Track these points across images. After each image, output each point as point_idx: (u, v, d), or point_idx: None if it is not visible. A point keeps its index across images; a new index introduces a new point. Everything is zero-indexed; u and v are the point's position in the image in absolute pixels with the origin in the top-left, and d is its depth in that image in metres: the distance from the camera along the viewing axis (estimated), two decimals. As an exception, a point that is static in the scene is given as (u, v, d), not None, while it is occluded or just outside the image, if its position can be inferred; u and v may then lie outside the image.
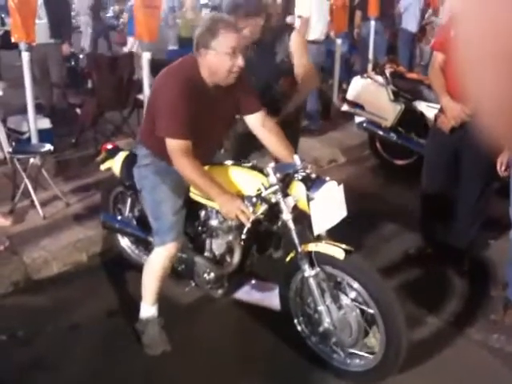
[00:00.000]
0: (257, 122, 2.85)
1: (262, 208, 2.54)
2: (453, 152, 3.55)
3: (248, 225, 2.50)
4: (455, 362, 2.90)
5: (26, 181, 4.23)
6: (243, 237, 2.67)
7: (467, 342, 3.07)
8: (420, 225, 4.01)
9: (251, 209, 2.47)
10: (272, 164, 2.58)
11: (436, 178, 3.71)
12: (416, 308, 3.27)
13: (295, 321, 2.87)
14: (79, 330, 3.10)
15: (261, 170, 2.72)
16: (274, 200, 2.54)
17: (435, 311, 3.30)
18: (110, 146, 3.54)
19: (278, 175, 2.53)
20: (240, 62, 2.59)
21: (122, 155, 3.35)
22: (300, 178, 2.57)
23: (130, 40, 7.85)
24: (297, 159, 2.63)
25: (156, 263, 2.90)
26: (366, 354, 2.68)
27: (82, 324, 3.14)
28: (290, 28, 3.66)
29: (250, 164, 2.85)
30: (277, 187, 2.51)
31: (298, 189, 2.56)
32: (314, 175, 2.58)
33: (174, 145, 2.58)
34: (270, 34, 3.35)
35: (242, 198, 2.53)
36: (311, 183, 2.53)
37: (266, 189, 2.52)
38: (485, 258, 3.94)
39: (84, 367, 2.83)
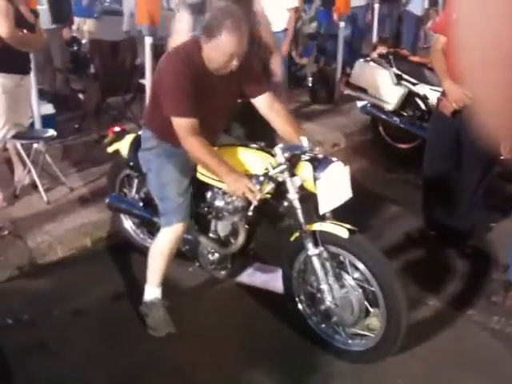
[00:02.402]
0: (264, 104, 2.87)
1: (269, 186, 2.57)
2: (455, 135, 3.54)
3: (255, 202, 2.54)
4: (455, 343, 2.93)
5: (30, 166, 4.25)
6: (249, 213, 2.68)
7: (468, 323, 3.09)
8: (422, 208, 4.02)
9: (258, 187, 2.50)
10: (280, 145, 2.62)
11: (438, 161, 3.71)
12: (417, 290, 3.29)
13: (297, 301, 2.90)
14: (84, 315, 3.13)
15: (268, 151, 2.76)
16: (280, 179, 2.58)
17: (436, 293, 3.32)
18: (117, 129, 3.58)
19: (286, 155, 2.57)
20: (234, 64, 2.62)
21: (129, 137, 3.38)
22: (307, 158, 2.61)
23: (77, 20, 7.70)
24: (304, 141, 2.66)
25: (162, 244, 2.93)
26: (366, 333, 2.72)
27: (87, 308, 3.17)
28: None
29: (257, 145, 2.88)
30: (284, 166, 2.55)
31: (305, 169, 2.59)
32: (320, 156, 2.62)
33: (180, 123, 2.61)
34: None
35: (250, 176, 2.56)
36: (318, 163, 2.57)
37: (273, 168, 2.55)
38: (486, 241, 3.94)
39: (88, 351, 2.86)
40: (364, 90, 5.57)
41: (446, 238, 3.82)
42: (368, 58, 5.73)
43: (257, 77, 2.89)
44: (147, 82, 4.89)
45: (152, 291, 2.99)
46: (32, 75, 4.56)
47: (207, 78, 2.69)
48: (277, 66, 3.74)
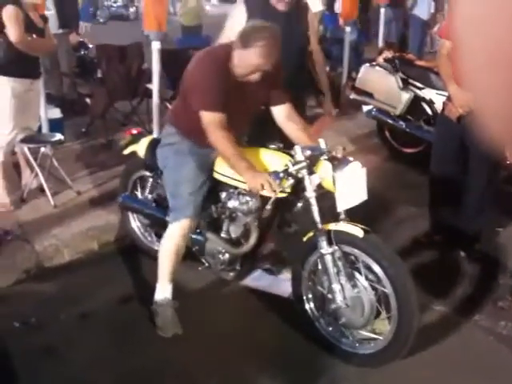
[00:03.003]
0: (282, 113, 2.96)
1: (288, 183, 2.64)
2: (460, 139, 3.54)
3: (273, 197, 2.59)
4: (462, 348, 2.92)
5: (37, 170, 4.28)
6: (268, 207, 2.71)
7: (474, 328, 3.08)
8: (429, 212, 4.01)
9: (278, 182, 2.57)
10: (300, 145, 2.69)
11: (444, 165, 3.71)
12: (423, 295, 3.26)
13: (306, 303, 2.91)
14: (91, 318, 3.14)
15: (287, 153, 2.81)
16: (300, 175, 2.63)
17: (443, 298, 3.31)
18: (134, 131, 3.66)
19: (306, 154, 2.63)
20: (254, 77, 2.73)
21: (146, 139, 3.47)
22: (326, 157, 2.67)
23: (81, 25, 7.75)
24: (322, 143, 2.73)
25: (170, 240, 2.98)
26: (375, 336, 2.72)
27: (94, 312, 3.18)
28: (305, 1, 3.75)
29: (276, 146, 2.95)
30: (304, 164, 2.61)
31: (324, 167, 2.65)
32: (340, 155, 2.69)
33: (209, 118, 2.70)
34: (296, 4, 3.47)
35: (269, 173, 2.63)
36: (337, 162, 2.63)
37: (293, 165, 2.61)
38: (493, 246, 3.93)
39: (96, 354, 2.87)
40: (370, 95, 5.58)
41: (453, 242, 3.81)
42: (374, 63, 5.73)
43: (280, 87, 2.97)
44: (154, 86, 4.92)
45: (162, 290, 3.02)
46: (41, 80, 4.59)
47: (235, 80, 2.77)
48: (323, 73, 3.86)
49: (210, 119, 2.70)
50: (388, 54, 5.62)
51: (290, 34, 3.31)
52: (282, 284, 3.26)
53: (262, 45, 2.63)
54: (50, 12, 6.25)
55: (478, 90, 0.47)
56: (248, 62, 2.68)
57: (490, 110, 0.47)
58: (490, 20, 0.42)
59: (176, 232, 2.97)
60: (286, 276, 3.18)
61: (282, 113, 2.96)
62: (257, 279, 3.40)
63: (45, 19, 4.41)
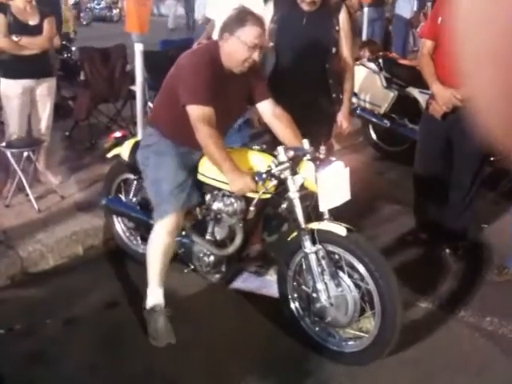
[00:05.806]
0: (267, 110, 2.96)
1: (271, 183, 2.65)
2: (445, 137, 3.56)
3: (256, 198, 2.61)
4: (448, 345, 2.94)
5: (20, 174, 4.23)
6: (251, 208, 2.73)
7: (460, 325, 3.10)
8: (414, 210, 4.03)
9: (261, 183, 2.59)
10: (283, 146, 2.70)
11: (429, 163, 3.72)
12: (409, 292, 3.29)
13: (291, 302, 2.91)
14: (78, 323, 3.11)
15: (271, 153, 2.81)
16: (283, 176, 2.64)
17: (429, 295, 3.33)
18: (118, 135, 3.64)
19: (288, 155, 2.63)
20: (255, 56, 2.74)
21: (130, 141, 3.45)
22: (309, 158, 2.68)
23: None
24: (306, 144, 2.73)
25: (156, 239, 2.93)
26: (361, 334, 2.74)
27: (81, 317, 3.16)
28: (342, 2, 3.65)
29: (259, 147, 2.95)
30: (287, 165, 2.62)
31: (306, 168, 2.66)
32: (322, 156, 2.70)
33: (197, 112, 2.68)
34: (326, 3, 3.43)
35: (253, 174, 2.63)
36: (320, 162, 2.64)
37: (276, 166, 2.62)
38: (478, 242, 3.96)
39: (83, 360, 2.84)
40: (354, 94, 5.59)
41: (438, 239, 3.83)
42: (357, 62, 5.74)
43: (261, 82, 3.00)
44: (138, 88, 4.89)
45: (153, 296, 2.95)
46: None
47: (221, 78, 2.78)
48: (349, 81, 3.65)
49: (198, 113, 2.67)
50: (367, 52, 5.65)
51: (311, 33, 3.34)
52: (270, 285, 3.25)
53: (252, 17, 2.71)
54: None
55: (477, 86, 0.46)
56: (244, 41, 2.68)
57: (487, 106, 0.46)
58: (490, 16, 0.42)
59: (161, 230, 2.91)
60: (274, 277, 3.18)
61: (267, 109, 2.96)
62: (245, 281, 3.39)
63: (44, 13, 4.44)
